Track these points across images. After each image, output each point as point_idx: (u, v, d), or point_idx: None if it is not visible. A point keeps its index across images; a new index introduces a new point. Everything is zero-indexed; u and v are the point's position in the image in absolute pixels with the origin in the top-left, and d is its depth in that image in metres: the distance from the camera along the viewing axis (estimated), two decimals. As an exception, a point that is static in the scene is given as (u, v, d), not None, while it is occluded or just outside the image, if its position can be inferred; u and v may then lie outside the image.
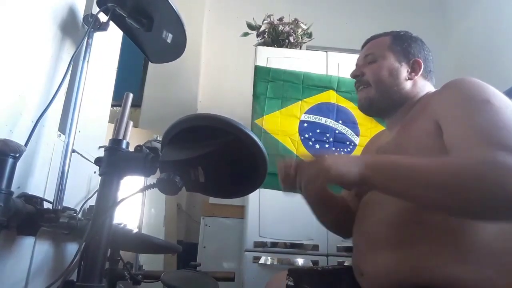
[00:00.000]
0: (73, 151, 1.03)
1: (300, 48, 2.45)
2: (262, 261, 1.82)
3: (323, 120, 2.08)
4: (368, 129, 2.07)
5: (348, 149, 2.05)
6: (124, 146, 0.80)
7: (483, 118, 0.68)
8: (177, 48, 1.16)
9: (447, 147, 0.71)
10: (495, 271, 0.64)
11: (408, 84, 0.92)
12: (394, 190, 0.68)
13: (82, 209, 1.18)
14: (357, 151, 2.03)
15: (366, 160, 0.71)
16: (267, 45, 2.37)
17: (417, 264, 0.69)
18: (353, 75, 0.99)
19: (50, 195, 0.97)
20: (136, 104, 2.87)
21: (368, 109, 0.97)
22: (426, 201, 0.65)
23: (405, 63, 0.93)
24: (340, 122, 2.09)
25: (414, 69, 0.93)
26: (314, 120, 2.08)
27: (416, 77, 0.93)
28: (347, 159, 0.75)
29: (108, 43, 1.39)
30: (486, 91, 0.73)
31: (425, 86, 0.94)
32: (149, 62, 2.87)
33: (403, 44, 0.95)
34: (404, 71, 0.93)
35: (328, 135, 2.05)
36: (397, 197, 0.70)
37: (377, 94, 0.93)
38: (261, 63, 2.17)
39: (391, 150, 0.86)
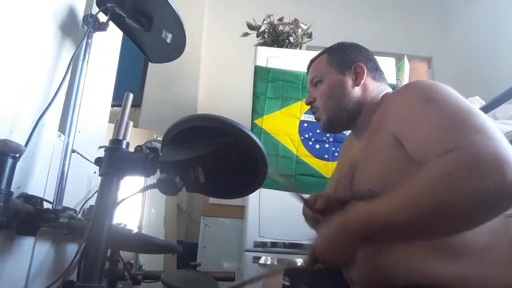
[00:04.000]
0: (73, 151, 1.04)
1: (300, 48, 2.45)
2: (262, 261, 1.82)
3: (323, 120, 2.08)
4: (368, 129, 2.07)
5: (348, 149, 2.05)
6: (124, 146, 0.80)
7: (430, 123, 0.67)
8: (176, 48, 1.16)
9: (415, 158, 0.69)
10: (475, 267, 0.64)
11: (357, 91, 0.92)
12: (400, 236, 0.65)
13: (82, 209, 1.18)
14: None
15: (351, 232, 0.66)
16: (267, 45, 2.36)
17: (393, 269, 0.69)
18: (307, 102, 1.00)
19: (50, 195, 0.97)
20: (136, 104, 2.87)
21: (331, 129, 0.98)
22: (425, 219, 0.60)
23: (348, 71, 0.93)
24: (340, 122, 2.08)
25: (358, 74, 0.93)
26: (314, 120, 2.07)
27: (362, 81, 0.92)
28: (333, 247, 0.68)
29: (108, 43, 1.39)
30: (429, 92, 0.72)
31: (378, 88, 0.93)
32: (149, 62, 2.88)
33: (339, 55, 0.96)
34: (349, 80, 0.93)
35: (328, 135, 2.05)
36: (411, 239, 0.66)
37: (331, 113, 0.94)
38: (261, 63, 2.17)
39: (360, 162, 0.84)
